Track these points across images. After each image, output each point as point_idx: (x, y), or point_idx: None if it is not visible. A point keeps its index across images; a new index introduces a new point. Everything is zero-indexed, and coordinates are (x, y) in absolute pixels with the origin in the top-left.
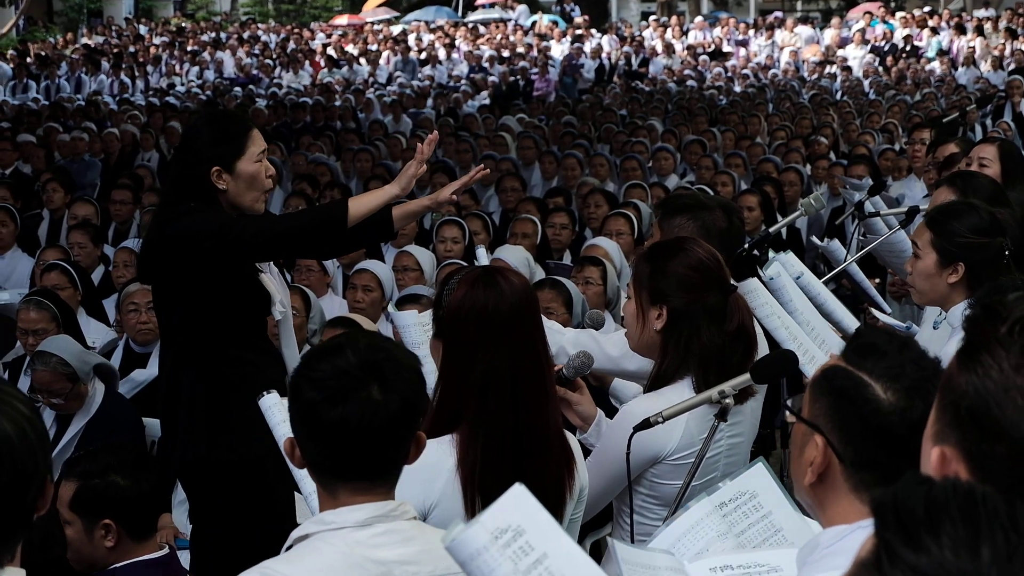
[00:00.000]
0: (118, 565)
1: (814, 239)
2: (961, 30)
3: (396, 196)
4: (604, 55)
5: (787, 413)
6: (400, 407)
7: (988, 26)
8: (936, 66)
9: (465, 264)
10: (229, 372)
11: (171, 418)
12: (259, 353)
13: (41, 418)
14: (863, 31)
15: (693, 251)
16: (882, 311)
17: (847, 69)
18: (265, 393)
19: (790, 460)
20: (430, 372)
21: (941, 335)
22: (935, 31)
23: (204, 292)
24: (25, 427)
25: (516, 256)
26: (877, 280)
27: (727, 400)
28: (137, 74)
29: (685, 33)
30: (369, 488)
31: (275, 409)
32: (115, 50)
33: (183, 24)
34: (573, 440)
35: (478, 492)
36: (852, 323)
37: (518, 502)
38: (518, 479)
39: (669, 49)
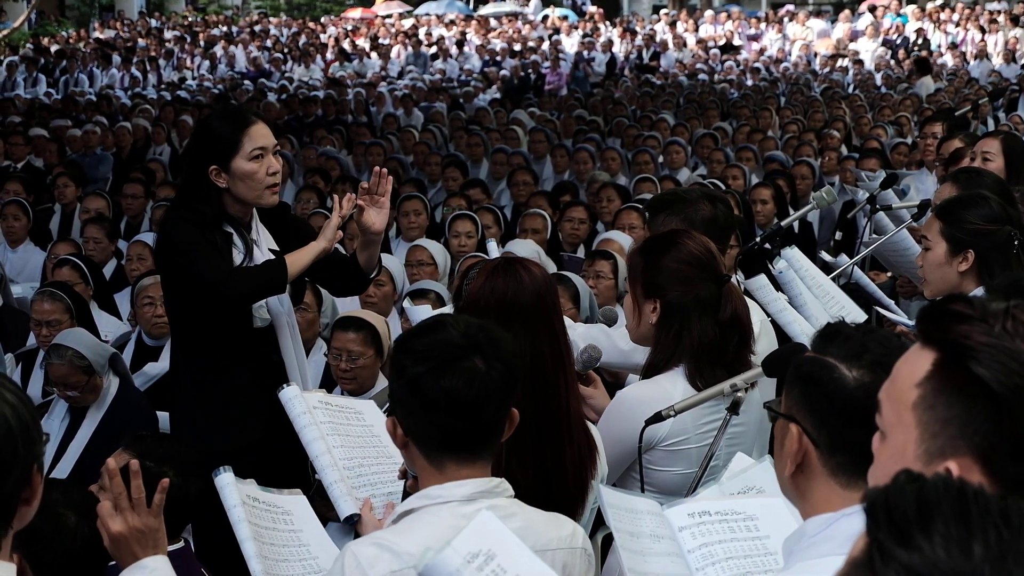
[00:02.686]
0: None
1: (824, 256)
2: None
3: (325, 250)
4: (615, 48)
5: (767, 412)
6: (502, 377)
7: (1002, 19)
8: (948, 59)
9: (485, 256)
10: (204, 367)
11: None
12: (235, 356)
13: (30, 407)
14: (876, 24)
15: (685, 244)
16: (894, 314)
17: (859, 62)
18: (285, 386)
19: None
20: None
21: None
22: (939, 23)
23: (187, 294)
24: (8, 414)
25: (526, 250)
26: (888, 275)
27: (739, 393)
28: (149, 68)
29: (697, 27)
30: (473, 460)
31: (295, 401)
32: (127, 44)
33: (200, 17)
34: (595, 430)
35: (503, 478)
36: (860, 316)
37: (487, 528)
38: (539, 464)
39: (680, 42)
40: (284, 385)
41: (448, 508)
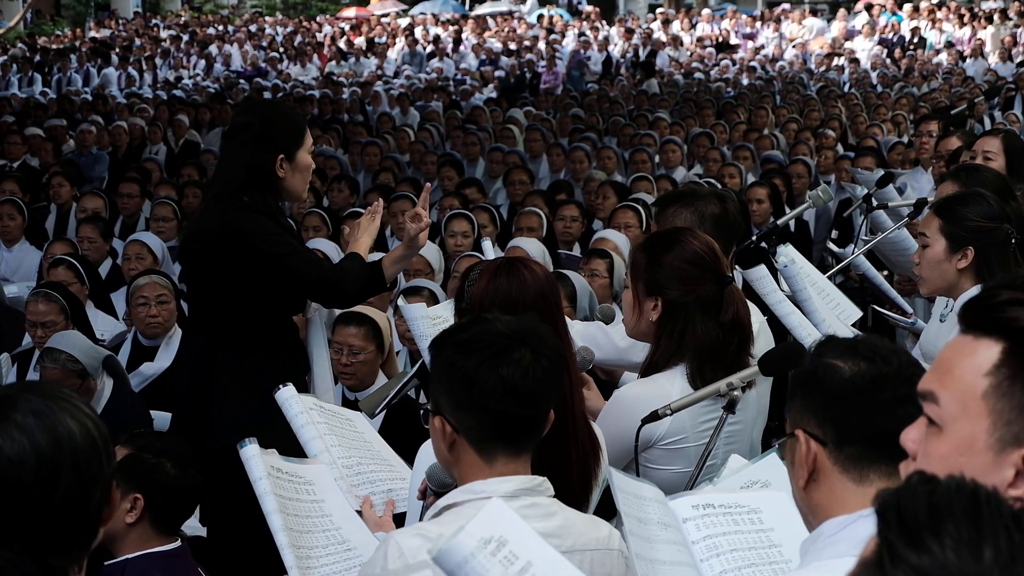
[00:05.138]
0: (130, 556)
1: (833, 246)
2: (989, 20)
3: (407, 258)
4: (611, 47)
5: (778, 449)
6: (550, 368)
7: (997, 17)
8: (943, 58)
9: (481, 256)
10: (261, 363)
11: (199, 407)
12: (290, 348)
13: (103, 426)
14: (872, 23)
15: (689, 243)
16: (899, 307)
17: (855, 61)
18: (281, 386)
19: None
20: None
21: (949, 327)
22: (935, 23)
23: (246, 284)
24: (90, 427)
25: (532, 248)
26: (884, 273)
27: (735, 392)
28: (145, 67)
29: (693, 26)
30: (519, 453)
31: (292, 402)
32: (123, 43)
33: (196, 16)
34: (598, 429)
35: None
36: (856, 313)
37: (498, 515)
38: (544, 463)
39: (676, 41)
40: (280, 386)
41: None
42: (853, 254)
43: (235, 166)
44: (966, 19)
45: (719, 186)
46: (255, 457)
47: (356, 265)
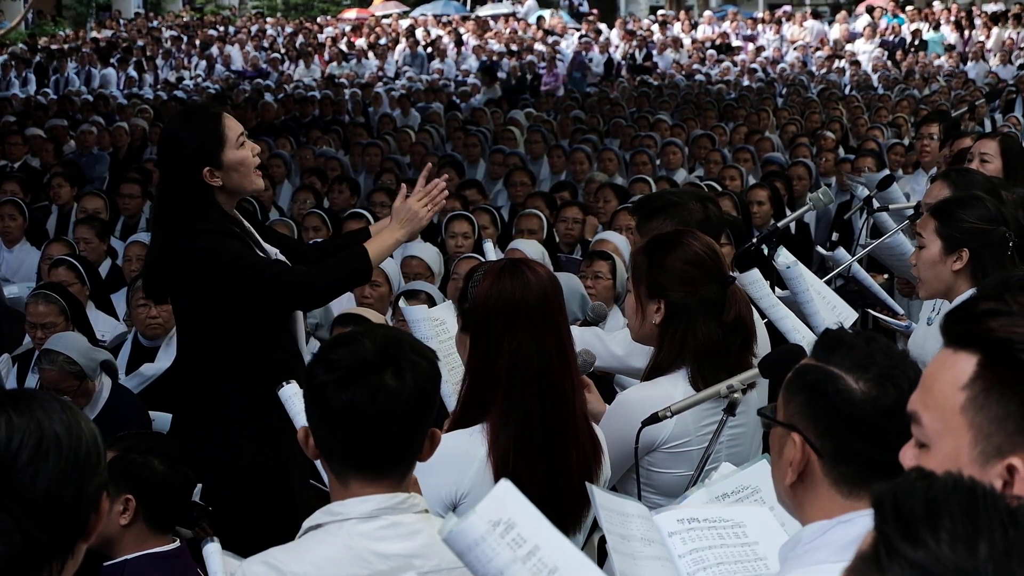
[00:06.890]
0: (129, 557)
1: (820, 249)
2: (961, 26)
3: (401, 242)
4: (612, 48)
5: (762, 420)
6: (414, 395)
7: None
8: (944, 60)
9: (481, 258)
10: (264, 374)
11: (212, 424)
12: (288, 353)
13: (100, 436)
14: (874, 25)
15: (690, 244)
16: (892, 310)
17: (856, 63)
18: (284, 383)
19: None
20: (452, 368)
21: (936, 329)
22: (937, 26)
23: (232, 301)
24: (85, 430)
25: (532, 250)
26: (885, 276)
27: (735, 394)
28: (146, 68)
29: (694, 27)
30: (378, 479)
31: (295, 399)
32: (124, 44)
33: (197, 16)
34: (599, 430)
35: (509, 479)
36: (852, 316)
37: (507, 497)
38: (546, 465)
39: (676, 43)
40: (283, 383)
41: (347, 526)
42: (846, 259)
43: (170, 194)
44: (963, 23)
45: (719, 188)
46: (214, 554)
47: (335, 260)
